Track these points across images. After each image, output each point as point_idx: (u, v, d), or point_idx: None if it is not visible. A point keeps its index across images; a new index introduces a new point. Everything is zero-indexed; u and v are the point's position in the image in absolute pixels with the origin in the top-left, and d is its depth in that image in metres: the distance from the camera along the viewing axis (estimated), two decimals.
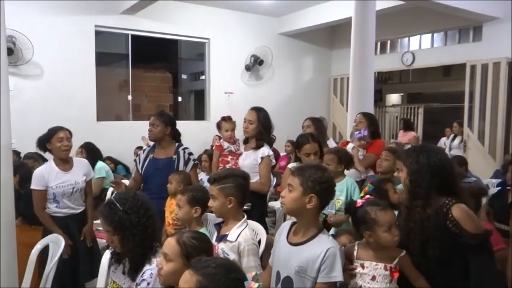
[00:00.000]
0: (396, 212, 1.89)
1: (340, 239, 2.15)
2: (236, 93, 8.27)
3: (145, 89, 8.56)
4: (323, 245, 1.68)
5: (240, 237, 2.04)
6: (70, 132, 3.18)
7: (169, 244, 1.68)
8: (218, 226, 2.20)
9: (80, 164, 3.28)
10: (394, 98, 12.72)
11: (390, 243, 1.75)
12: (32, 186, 3.07)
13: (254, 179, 3.21)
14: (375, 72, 6.72)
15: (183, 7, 7.67)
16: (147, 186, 3.27)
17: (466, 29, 7.72)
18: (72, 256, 3.04)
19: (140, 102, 8.45)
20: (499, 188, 3.95)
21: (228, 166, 3.46)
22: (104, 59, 7.56)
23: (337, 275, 1.64)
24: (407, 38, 8.71)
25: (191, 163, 3.29)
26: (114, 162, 6.71)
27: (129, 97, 7.67)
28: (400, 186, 2.54)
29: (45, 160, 3.76)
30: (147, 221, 1.87)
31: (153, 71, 8.85)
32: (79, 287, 3.14)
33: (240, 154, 3.51)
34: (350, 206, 1.91)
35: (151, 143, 3.43)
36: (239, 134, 3.68)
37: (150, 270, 1.78)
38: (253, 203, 3.05)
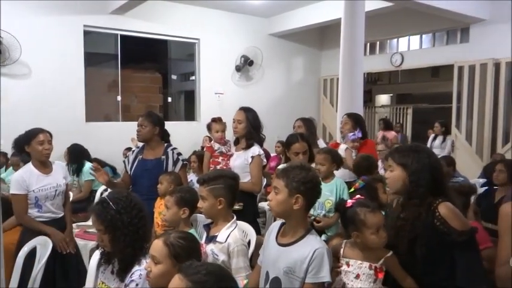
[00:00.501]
0: (383, 212, 1.91)
1: (332, 243, 2.16)
2: (226, 93, 8.27)
3: (134, 89, 8.51)
4: (311, 245, 1.68)
5: (230, 238, 2.04)
6: (50, 135, 3.06)
7: (157, 246, 1.67)
8: (207, 227, 2.20)
9: (59, 166, 3.19)
10: (383, 99, 12.83)
11: (377, 245, 1.76)
12: (12, 191, 2.91)
13: (245, 179, 3.22)
14: (364, 73, 6.78)
15: (172, 7, 7.65)
16: (136, 187, 3.24)
17: (453, 30, 7.81)
18: (54, 263, 2.93)
19: (130, 103, 8.40)
20: (485, 187, 4.00)
21: (218, 167, 3.45)
22: (92, 59, 7.50)
23: (325, 275, 1.65)
24: (396, 39, 8.78)
25: (180, 163, 3.27)
26: (100, 164, 6.64)
27: (119, 98, 7.62)
28: None
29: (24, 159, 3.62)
30: (139, 222, 1.86)
31: (142, 71, 8.80)
32: None
33: (231, 155, 3.50)
34: (340, 206, 1.92)
35: (141, 144, 3.41)
36: (229, 135, 3.68)
37: (139, 271, 1.77)
38: (245, 203, 3.06)
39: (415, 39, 8.49)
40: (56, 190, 3.06)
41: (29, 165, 3.03)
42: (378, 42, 9.03)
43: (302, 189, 1.70)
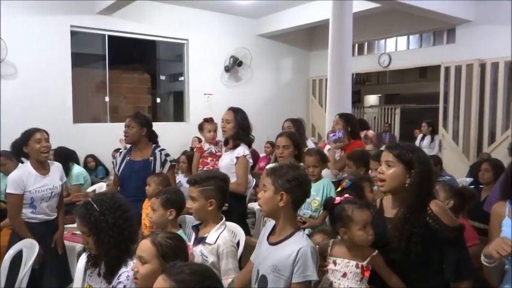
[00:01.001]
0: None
1: (314, 238, 2.17)
2: (215, 94, 8.26)
3: (122, 90, 8.46)
4: (296, 244, 1.69)
5: (219, 240, 2.04)
6: (47, 133, 3.03)
7: (145, 246, 1.66)
8: (196, 228, 2.19)
9: (55, 167, 3.17)
10: (372, 99, 12.95)
11: (364, 242, 1.77)
12: (9, 191, 2.88)
13: (232, 179, 3.20)
14: (352, 74, 6.82)
15: (160, 7, 7.61)
16: (124, 189, 3.22)
17: (440, 31, 7.91)
18: (42, 265, 2.90)
19: (118, 104, 8.34)
20: (472, 186, 4.06)
21: (206, 167, 3.45)
22: (80, 59, 7.43)
23: (311, 274, 1.65)
24: (383, 40, 8.86)
25: (168, 164, 3.25)
26: (96, 161, 6.59)
27: (107, 98, 7.56)
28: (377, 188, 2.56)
29: (19, 160, 3.59)
30: (123, 223, 1.84)
31: (130, 72, 8.75)
32: None
33: (221, 156, 3.50)
34: (328, 203, 1.93)
35: (129, 146, 3.39)
36: (219, 135, 3.68)
37: (126, 273, 1.76)
38: (230, 204, 3.05)
39: (402, 40, 8.58)
40: (52, 192, 3.04)
41: (27, 165, 2.99)
42: (366, 43, 9.10)
43: (287, 186, 1.71)
